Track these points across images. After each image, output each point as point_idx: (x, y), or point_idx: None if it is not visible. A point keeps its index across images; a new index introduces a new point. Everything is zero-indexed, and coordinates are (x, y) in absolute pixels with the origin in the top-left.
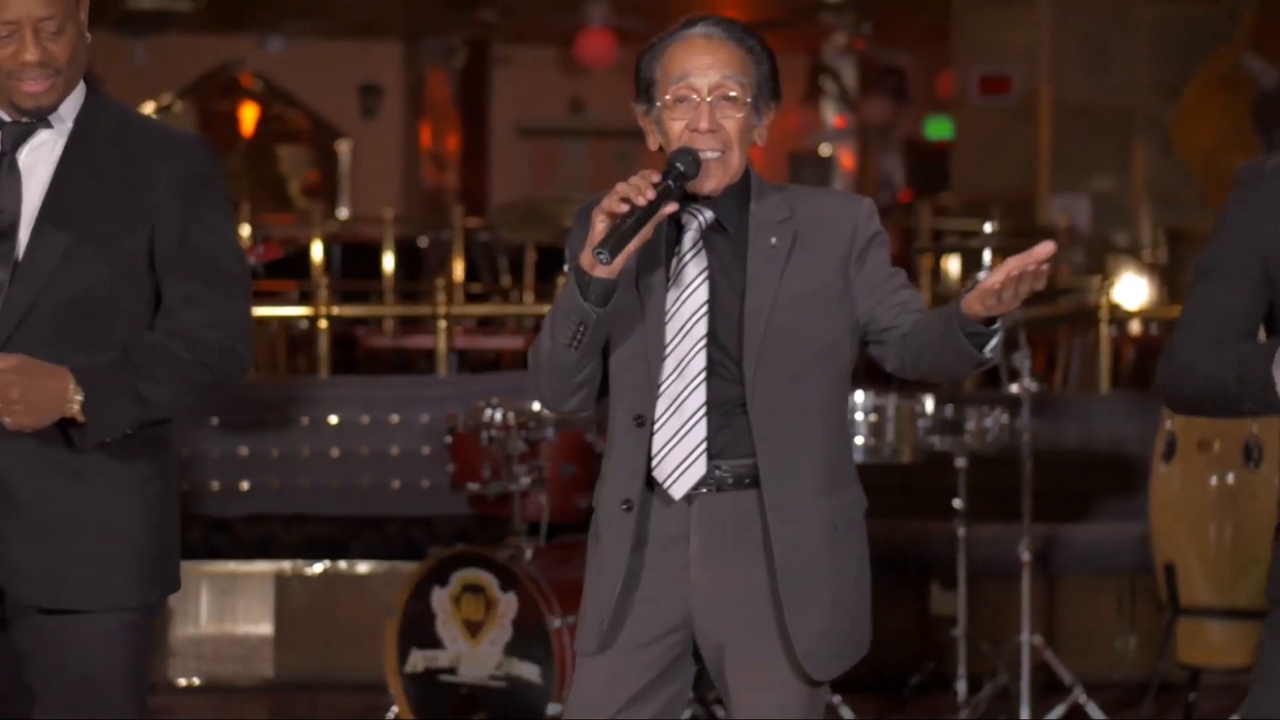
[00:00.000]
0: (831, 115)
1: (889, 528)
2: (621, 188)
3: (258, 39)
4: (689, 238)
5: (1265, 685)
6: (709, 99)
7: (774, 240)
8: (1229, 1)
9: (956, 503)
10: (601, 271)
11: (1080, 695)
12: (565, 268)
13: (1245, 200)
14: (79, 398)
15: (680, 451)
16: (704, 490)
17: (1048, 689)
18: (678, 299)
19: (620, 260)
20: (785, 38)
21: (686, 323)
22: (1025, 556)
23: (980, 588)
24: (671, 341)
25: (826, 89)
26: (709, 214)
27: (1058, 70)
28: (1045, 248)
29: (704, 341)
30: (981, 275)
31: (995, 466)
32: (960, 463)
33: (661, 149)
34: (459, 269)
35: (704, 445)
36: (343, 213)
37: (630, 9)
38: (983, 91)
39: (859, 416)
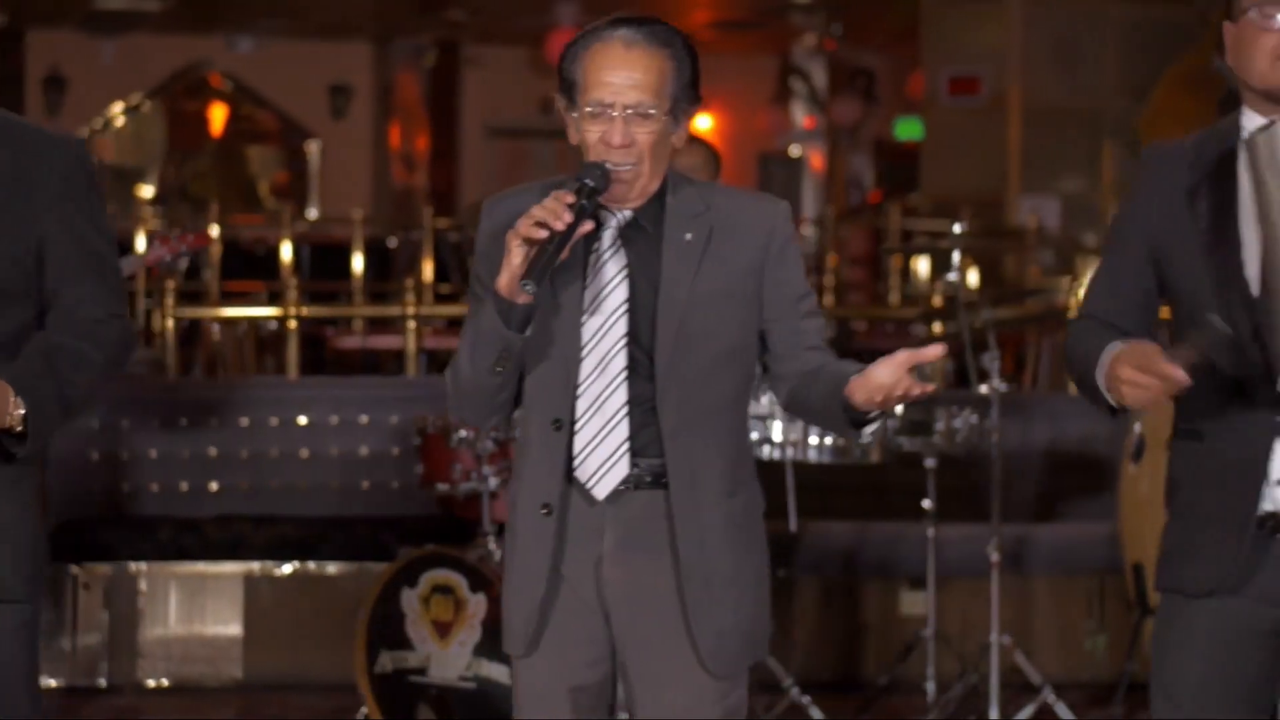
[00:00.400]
0: (801, 116)
1: (858, 528)
2: (537, 212)
3: (227, 39)
4: (607, 235)
5: (1160, 673)
6: (624, 114)
7: (689, 235)
8: (1198, 3)
9: (926, 503)
10: (523, 299)
11: (1049, 695)
12: (475, 272)
13: (1139, 180)
14: (20, 411)
15: (603, 451)
16: (623, 488)
17: (1017, 689)
18: (596, 297)
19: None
20: (755, 39)
21: (606, 321)
22: (994, 557)
23: (949, 588)
24: (590, 340)
25: (796, 90)
26: (628, 212)
27: (1027, 71)
28: (933, 350)
29: (625, 340)
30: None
31: (964, 467)
32: (929, 463)
33: (579, 148)
34: (428, 269)
35: (627, 445)
36: (312, 213)
37: (600, 9)
38: (952, 92)
39: None
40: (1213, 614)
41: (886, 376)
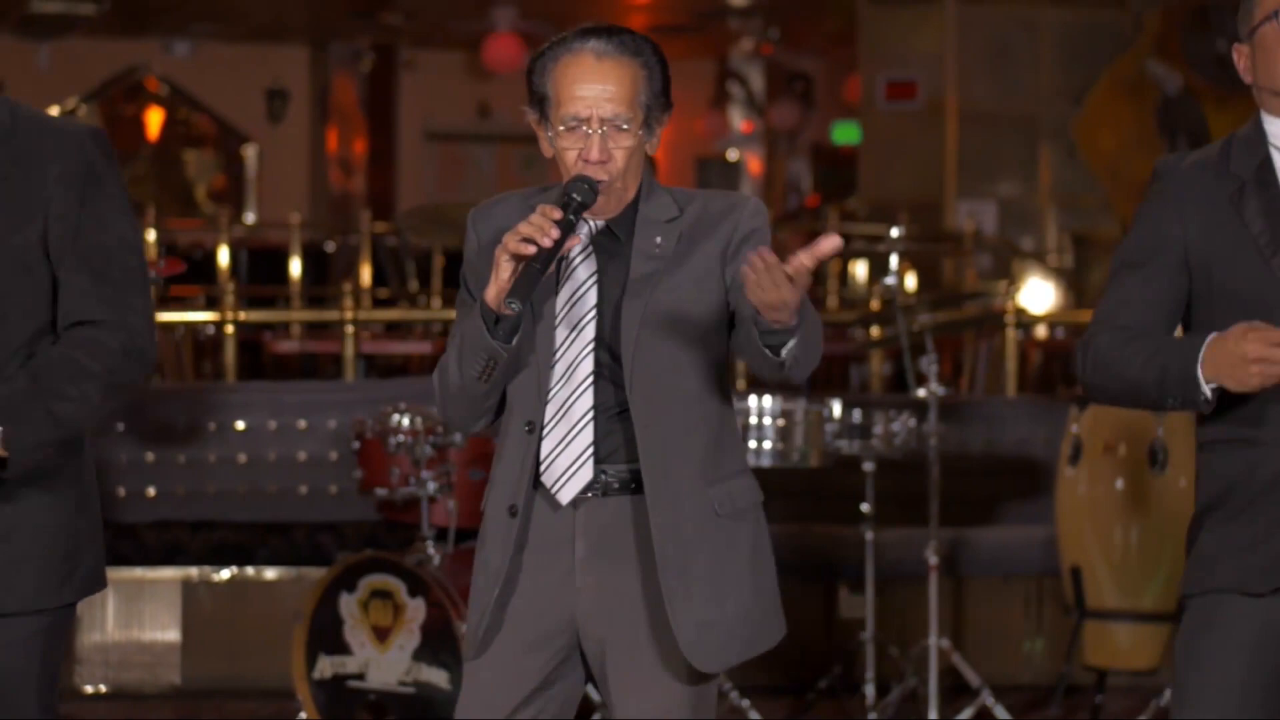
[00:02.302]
0: (739, 120)
1: (797, 531)
2: (524, 229)
3: (163, 43)
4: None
5: (1196, 673)
6: (600, 130)
7: (659, 239)
8: (1132, 6)
9: (864, 506)
10: (509, 311)
11: (988, 697)
12: (464, 277)
13: (1164, 193)
14: None
15: (568, 456)
16: (589, 495)
17: (955, 691)
18: (568, 302)
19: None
20: (692, 43)
21: (576, 326)
22: (932, 560)
23: (888, 591)
24: (561, 345)
25: (733, 94)
26: (599, 220)
27: (963, 76)
28: (827, 244)
29: (592, 345)
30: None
31: (903, 470)
32: (868, 467)
33: (554, 159)
34: (366, 274)
35: (591, 449)
36: (249, 217)
37: (537, 13)
38: (889, 97)
39: (767, 421)
40: (1262, 616)
41: (765, 279)
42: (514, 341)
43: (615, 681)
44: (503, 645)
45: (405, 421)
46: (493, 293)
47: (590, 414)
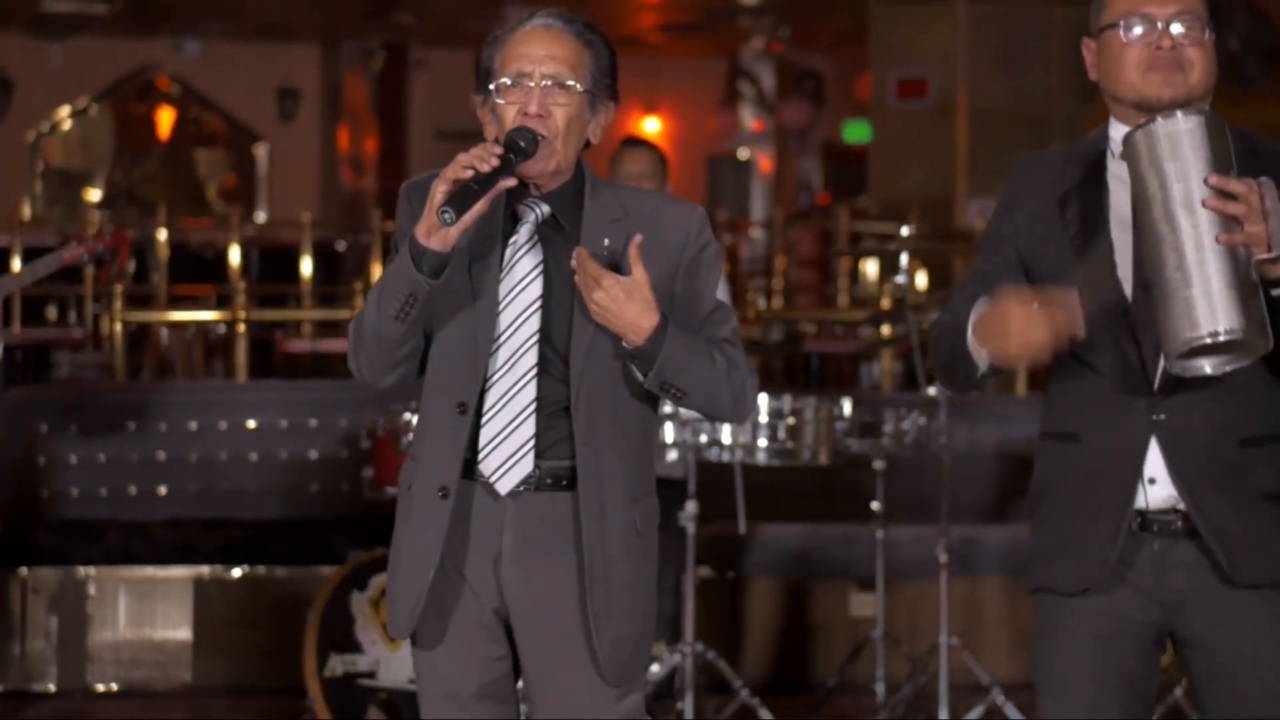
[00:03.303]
0: (749, 119)
1: (807, 530)
2: (463, 157)
3: (174, 42)
4: (524, 230)
5: (1047, 675)
6: (543, 84)
7: (607, 241)
8: None
9: (875, 505)
10: (435, 244)
11: (998, 696)
12: (394, 246)
13: (1007, 189)
14: None
15: (508, 447)
16: (522, 489)
17: (966, 690)
18: (511, 291)
19: (456, 231)
20: (703, 41)
21: (519, 316)
22: (943, 558)
23: (898, 589)
24: (504, 333)
25: (744, 92)
26: (545, 208)
27: (974, 74)
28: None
29: (536, 337)
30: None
31: (913, 469)
32: (878, 465)
33: (497, 140)
34: (377, 273)
35: (532, 442)
36: (260, 216)
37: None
38: (900, 95)
39: (778, 420)
40: (1090, 613)
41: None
42: (439, 280)
43: (541, 675)
44: (450, 629)
45: (416, 420)
46: (423, 227)
47: (533, 407)
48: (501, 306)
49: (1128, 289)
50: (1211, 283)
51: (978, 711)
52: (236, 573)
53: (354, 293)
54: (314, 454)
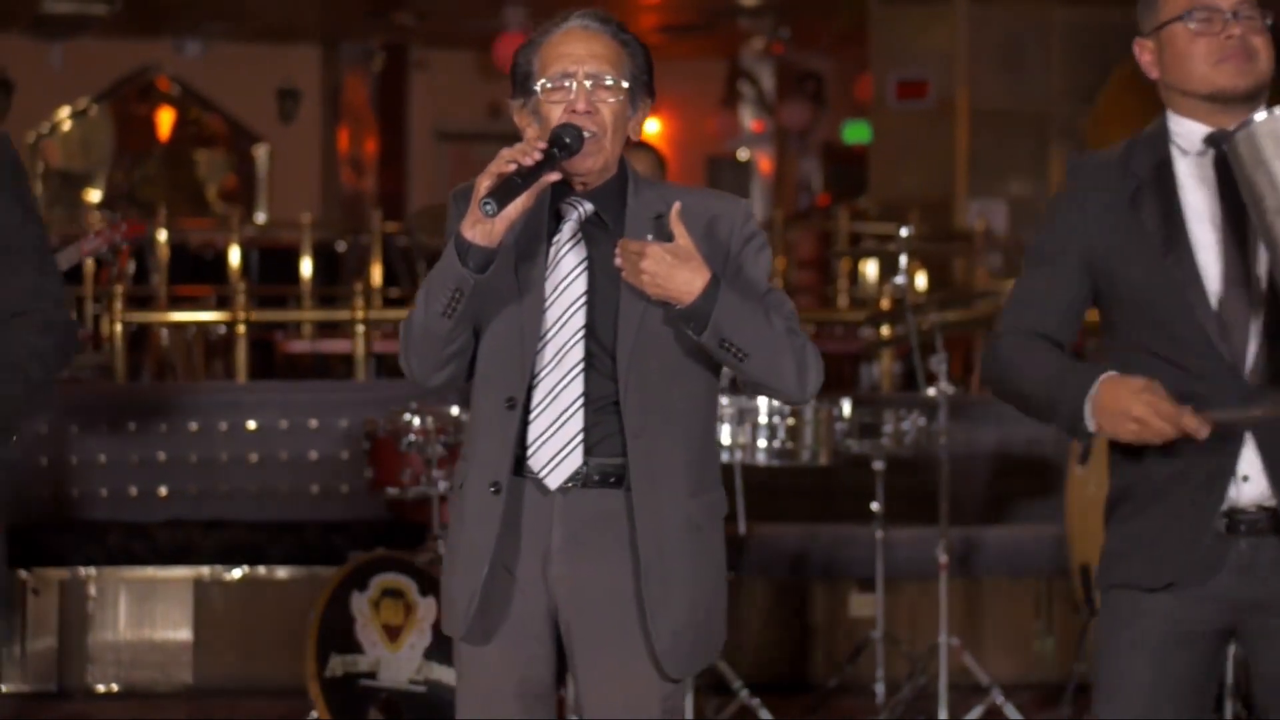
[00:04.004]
0: (749, 119)
1: (807, 530)
2: (507, 152)
3: (174, 43)
4: (568, 228)
5: (1110, 670)
6: (587, 83)
7: (650, 237)
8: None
9: (874, 505)
10: (480, 238)
11: (998, 696)
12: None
13: (1069, 192)
14: None
15: (556, 442)
16: (570, 485)
17: (966, 690)
18: (556, 287)
19: (501, 226)
20: (702, 42)
21: (565, 312)
22: (943, 559)
23: (898, 590)
24: (550, 329)
25: (744, 93)
26: (588, 206)
27: (974, 75)
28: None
29: (582, 333)
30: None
31: (913, 469)
32: (878, 465)
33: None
34: (377, 273)
35: (580, 437)
36: (260, 217)
37: (548, 13)
38: (900, 96)
39: (777, 420)
40: (1166, 613)
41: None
42: (484, 274)
43: (588, 672)
44: (502, 633)
45: (416, 421)
46: (468, 222)
47: (580, 402)
48: (548, 303)
49: (1216, 286)
50: None
51: (977, 712)
52: (237, 573)
53: (353, 293)
54: (314, 455)
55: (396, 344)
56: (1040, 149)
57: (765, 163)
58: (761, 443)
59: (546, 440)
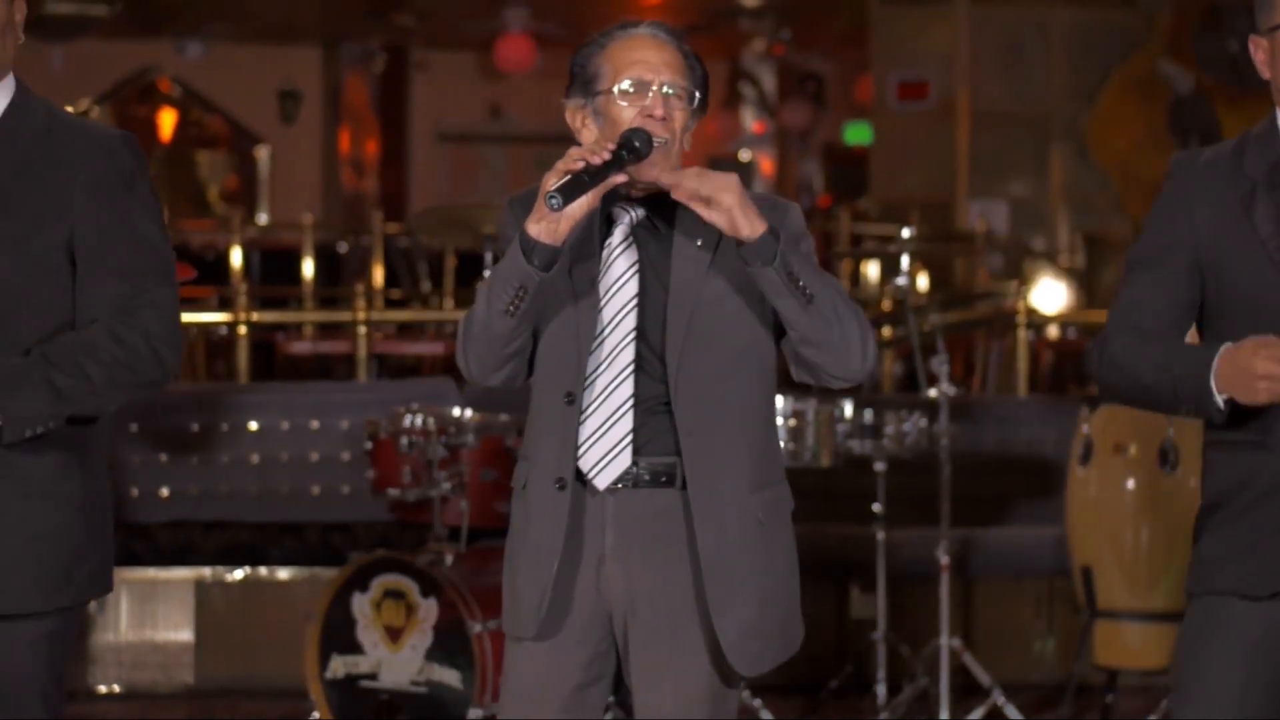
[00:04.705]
0: (750, 120)
1: (808, 531)
2: (576, 151)
3: (175, 44)
4: (619, 232)
5: (1196, 677)
6: (664, 91)
7: (699, 241)
8: (1144, 6)
9: (876, 506)
10: (545, 236)
11: (999, 697)
12: (487, 271)
13: (1176, 192)
14: None
15: (606, 442)
16: (620, 486)
17: (967, 691)
18: (608, 290)
19: (566, 225)
20: (704, 43)
21: (617, 314)
22: (944, 560)
23: (899, 591)
24: (603, 331)
25: (745, 94)
26: (640, 211)
27: (975, 76)
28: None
29: (633, 335)
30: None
31: (914, 470)
32: (879, 467)
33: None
34: (378, 275)
35: (630, 438)
36: (262, 218)
37: (548, 14)
38: (901, 97)
39: (778, 421)
40: (1255, 620)
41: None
42: (549, 272)
43: (642, 673)
44: (561, 630)
45: (418, 422)
46: (533, 219)
47: (629, 403)
48: (601, 304)
49: None
50: None
51: (978, 712)
52: (238, 574)
53: (355, 294)
54: (315, 456)
55: (396, 344)
56: (1041, 149)
57: (766, 164)
58: None
59: (596, 440)
